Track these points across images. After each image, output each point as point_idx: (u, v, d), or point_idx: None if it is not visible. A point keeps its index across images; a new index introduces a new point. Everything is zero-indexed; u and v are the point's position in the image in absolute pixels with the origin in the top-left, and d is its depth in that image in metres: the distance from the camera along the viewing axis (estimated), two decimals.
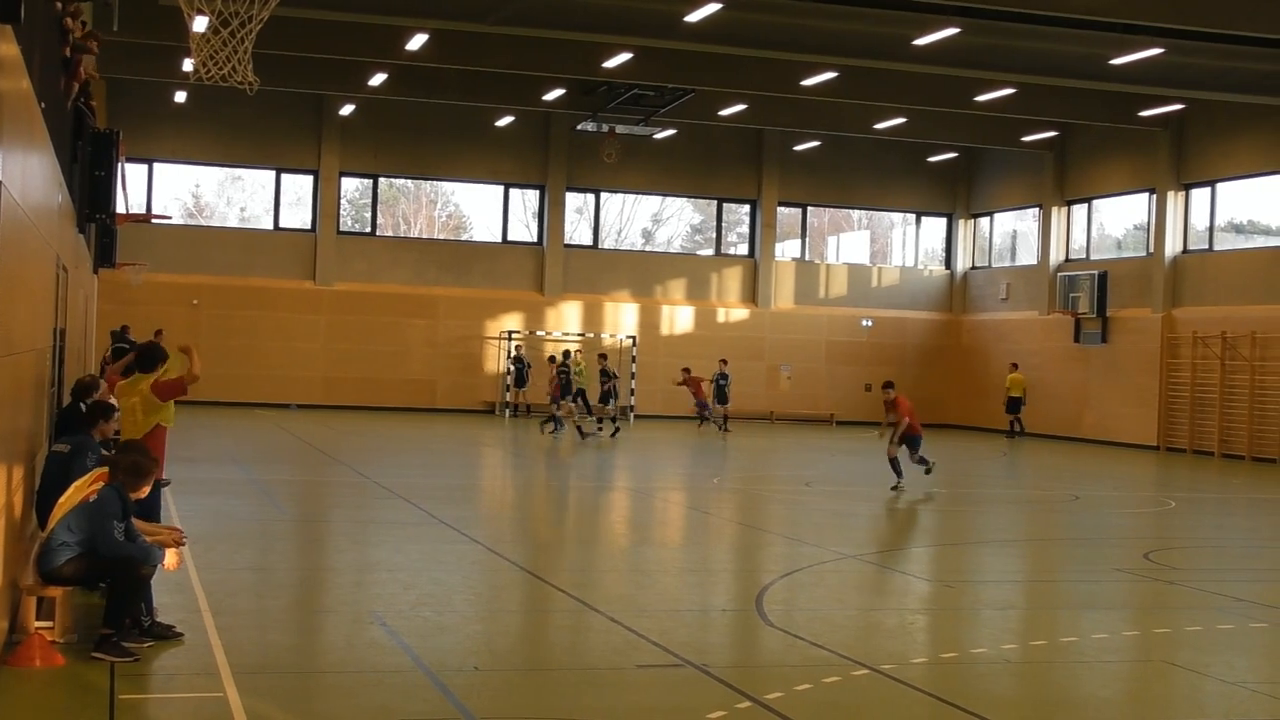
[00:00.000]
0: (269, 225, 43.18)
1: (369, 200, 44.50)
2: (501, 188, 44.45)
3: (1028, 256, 44.84)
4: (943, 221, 47.90)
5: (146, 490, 10.35)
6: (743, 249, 46.56)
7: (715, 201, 46.43)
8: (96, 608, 10.16)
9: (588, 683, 9.60)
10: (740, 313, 45.40)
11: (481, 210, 45.73)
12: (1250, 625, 12.47)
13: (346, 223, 43.86)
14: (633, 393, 43.38)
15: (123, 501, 9.85)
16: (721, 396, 38.61)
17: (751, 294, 45.57)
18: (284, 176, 43.07)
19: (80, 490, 9.90)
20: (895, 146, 44.38)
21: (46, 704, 8.54)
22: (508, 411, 38.16)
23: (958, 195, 47.26)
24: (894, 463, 23.61)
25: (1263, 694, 9.90)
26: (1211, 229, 37.55)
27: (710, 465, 29.55)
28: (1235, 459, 34.57)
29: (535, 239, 44.54)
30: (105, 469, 10.33)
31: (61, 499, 10.01)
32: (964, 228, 47.45)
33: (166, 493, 18.18)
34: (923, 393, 45.71)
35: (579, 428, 33.97)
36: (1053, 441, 40.13)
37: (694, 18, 27.45)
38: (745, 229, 46.72)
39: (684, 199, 47.28)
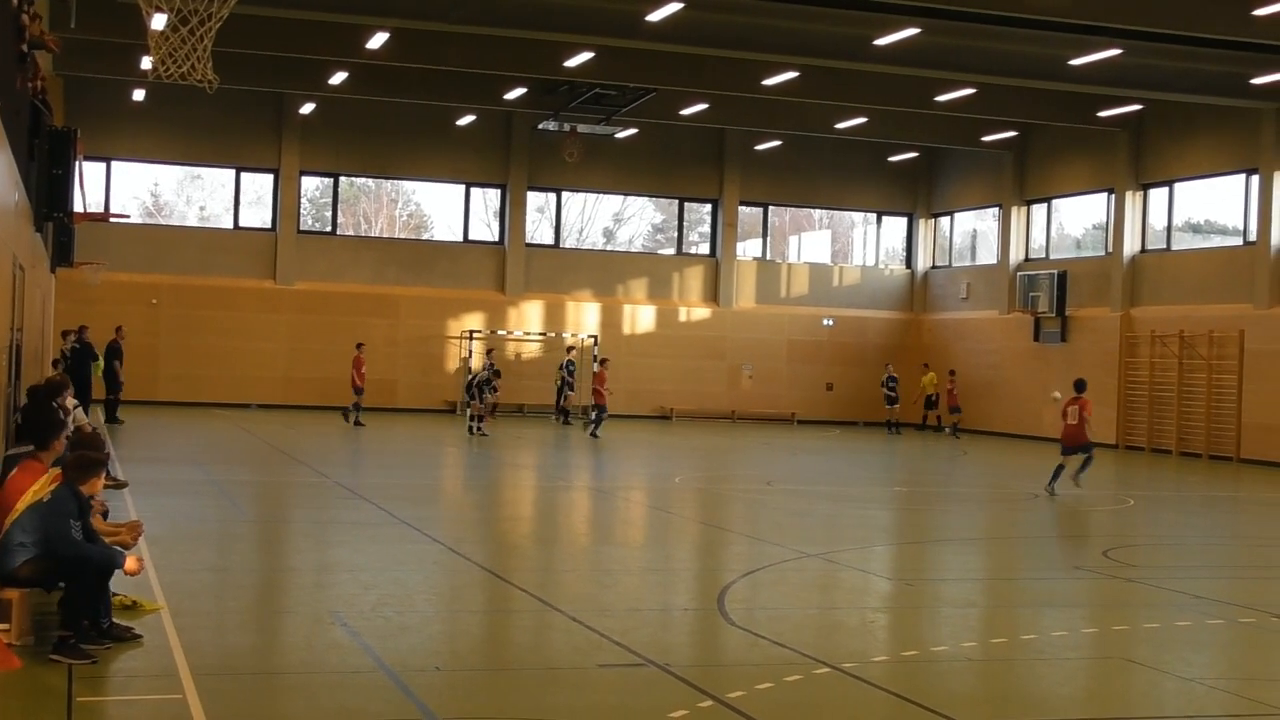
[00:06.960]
0: (229, 224, 42.93)
1: (329, 199, 44.31)
2: (463, 187, 44.33)
3: (988, 256, 45.06)
4: (903, 221, 48.08)
5: (99, 485, 10.28)
6: (704, 248, 46.60)
7: (677, 201, 46.44)
8: (54, 609, 10.09)
9: (550, 682, 9.60)
10: (702, 312, 45.43)
11: (443, 209, 45.67)
12: (1208, 622, 12.56)
13: (307, 222, 43.64)
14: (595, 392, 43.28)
15: (77, 499, 9.78)
16: (569, 387, 39.90)
17: (713, 293, 45.61)
18: (244, 175, 42.83)
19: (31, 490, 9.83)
20: (856, 146, 44.52)
21: (3, 707, 8.46)
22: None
23: (918, 195, 47.44)
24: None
25: (1220, 690, 9.99)
26: (1169, 229, 37.82)
27: (672, 465, 29.56)
28: (1193, 457, 34.83)
29: (496, 238, 44.45)
30: (60, 470, 10.26)
31: None
32: (924, 227, 47.64)
33: (126, 494, 18.11)
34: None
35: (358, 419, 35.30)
36: (1013, 440, 40.33)
37: (655, 17, 27.46)
38: (707, 228, 46.76)
39: (645, 198, 47.26)
